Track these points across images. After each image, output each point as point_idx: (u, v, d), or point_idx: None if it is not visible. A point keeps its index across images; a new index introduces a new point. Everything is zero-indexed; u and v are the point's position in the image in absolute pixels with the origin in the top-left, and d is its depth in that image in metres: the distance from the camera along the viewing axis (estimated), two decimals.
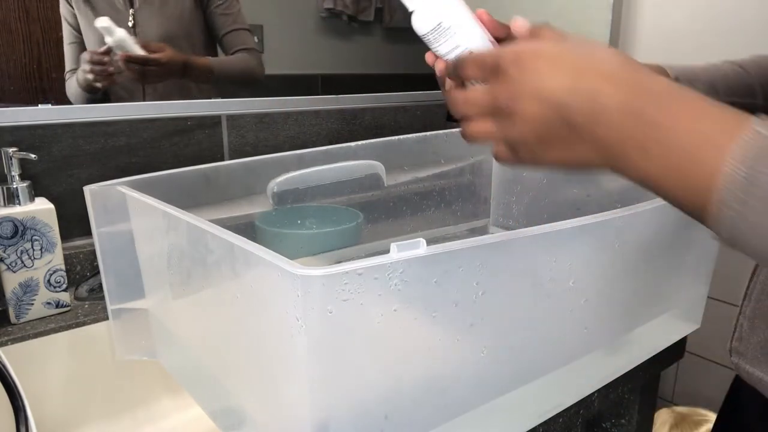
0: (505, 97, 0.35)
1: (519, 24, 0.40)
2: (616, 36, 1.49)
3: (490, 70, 0.36)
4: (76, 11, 0.84)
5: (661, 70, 0.60)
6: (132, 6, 0.88)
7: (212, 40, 0.97)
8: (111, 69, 0.85)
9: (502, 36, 0.43)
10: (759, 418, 0.58)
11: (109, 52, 0.85)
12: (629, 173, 0.33)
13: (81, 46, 0.85)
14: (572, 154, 0.34)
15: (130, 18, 0.88)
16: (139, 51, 0.87)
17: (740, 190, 0.28)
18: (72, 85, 0.84)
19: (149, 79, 0.90)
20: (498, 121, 0.36)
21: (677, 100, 0.31)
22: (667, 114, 0.31)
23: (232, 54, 0.99)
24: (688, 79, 0.60)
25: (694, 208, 0.31)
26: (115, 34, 0.84)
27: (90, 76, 0.84)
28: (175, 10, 0.92)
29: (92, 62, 0.84)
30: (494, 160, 0.39)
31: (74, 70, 0.84)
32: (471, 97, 0.38)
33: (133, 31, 0.88)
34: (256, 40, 1.01)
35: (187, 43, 0.94)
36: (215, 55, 0.98)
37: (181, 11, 0.93)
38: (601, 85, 0.32)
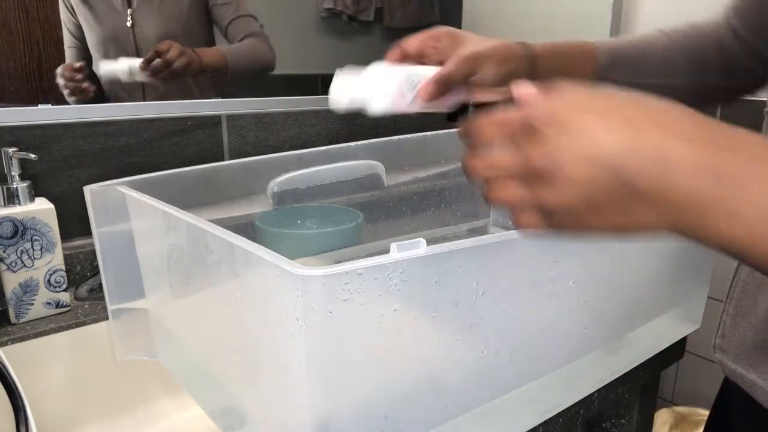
0: (542, 159, 0.30)
1: (525, 92, 0.33)
2: (616, 36, 1.49)
3: (519, 130, 0.31)
4: (77, 13, 0.84)
5: (587, 45, 0.59)
6: (130, 6, 0.88)
7: (213, 39, 0.97)
8: (84, 85, 0.85)
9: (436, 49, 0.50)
10: (746, 417, 0.59)
11: (82, 69, 0.85)
12: (707, 238, 0.28)
13: (80, 51, 0.85)
14: (631, 220, 0.30)
15: (128, 18, 0.88)
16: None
17: None
18: None
19: (176, 76, 0.90)
20: (532, 186, 0.31)
21: (766, 154, 0.27)
22: (757, 170, 0.27)
23: (239, 41, 0.98)
24: (613, 60, 0.60)
25: None
26: (123, 66, 0.85)
27: (65, 91, 0.83)
28: (175, 10, 0.92)
29: (65, 78, 0.83)
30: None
31: None
32: (497, 161, 0.32)
33: (132, 31, 0.88)
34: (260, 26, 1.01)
35: (188, 41, 0.94)
36: None
37: (180, 10, 0.93)
38: (669, 140, 0.28)
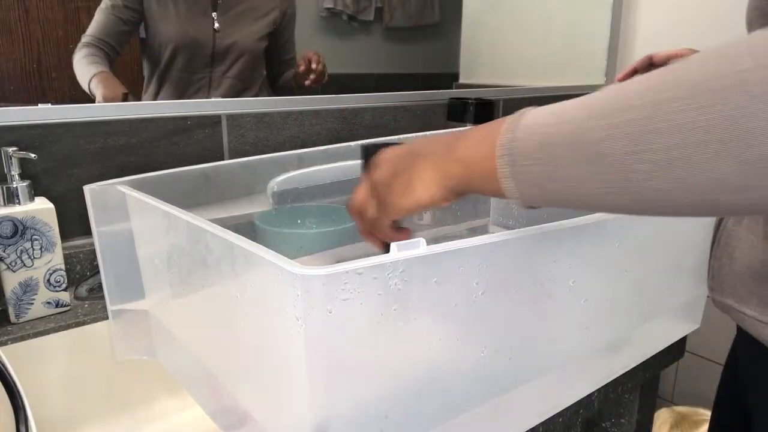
0: (375, 163, 0.48)
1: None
2: (616, 36, 1.49)
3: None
4: (150, 7, 0.85)
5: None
6: (215, 10, 0.91)
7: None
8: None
9: None
10: (753, 360, 0.62)
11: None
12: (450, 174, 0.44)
13: (122, 23, 0.86)
14: (415, 175, 0.45)
15: (215, 22, 0.91)
16: None
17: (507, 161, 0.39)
18: (80, 59, 0.84)
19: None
20: (367, 179, 0.49)
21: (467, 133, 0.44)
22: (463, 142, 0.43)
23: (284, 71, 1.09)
24: None
25: (490, 185, 0.41)
26: None
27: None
28: (252, 26, 0.98)
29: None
30: None
31: (92, 43, 0.85)
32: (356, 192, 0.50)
33: (214, 36, 0.92)
34: None
35: (255, 58, 1.00)
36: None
37: (256, 28, 0.98)
38: (429, 140, 0.47)
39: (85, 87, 0.84)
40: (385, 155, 0.48)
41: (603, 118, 0.33)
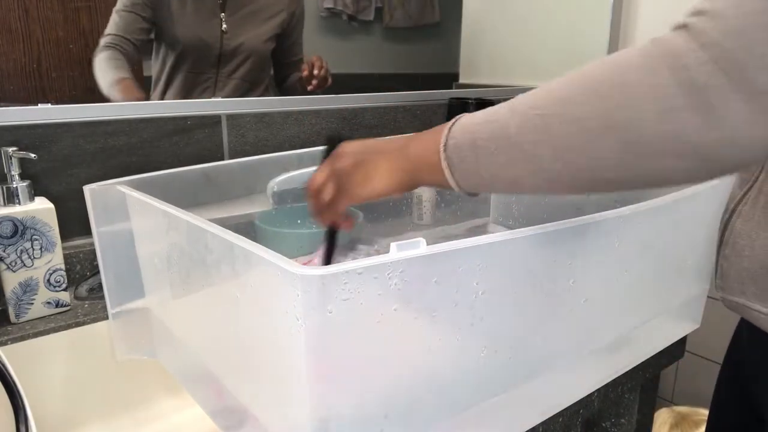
0: (337, 153, 0.54)
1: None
2: (616, 36, 1.49)
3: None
4: (162, 7, 0.85)
5: None
6: (223, 11, 0.91)
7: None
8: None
9: None
10: (750, 346, 0.65)
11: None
12: (407, 170, 0.50)
13: (142, 20, 0.87)
14: (375, 169, 0.50)
15: (223, 24, 0.92)
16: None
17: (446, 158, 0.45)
18: (102, 60, 0.84)
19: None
20: (329, 165, 0.53)
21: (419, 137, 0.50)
22: (416, 141, 0.49)
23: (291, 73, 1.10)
24: None
25: (437, 176, 0.47)
26: None
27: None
28: (259, 29, 0.98)
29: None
30: None
31: (114, 45, 0.85)
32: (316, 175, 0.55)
33: (221, 37, 0.92)
34: None
35: (261, 60, 1.00)
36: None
37: (263, 30, 0.98)
38: (385, 139, 0.54)
39: (103, 89, 0.84)
40: (347, 147, 0.53)
41: (518, 115, 0.40)
